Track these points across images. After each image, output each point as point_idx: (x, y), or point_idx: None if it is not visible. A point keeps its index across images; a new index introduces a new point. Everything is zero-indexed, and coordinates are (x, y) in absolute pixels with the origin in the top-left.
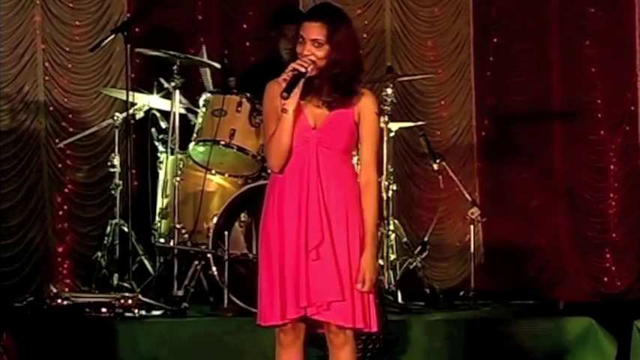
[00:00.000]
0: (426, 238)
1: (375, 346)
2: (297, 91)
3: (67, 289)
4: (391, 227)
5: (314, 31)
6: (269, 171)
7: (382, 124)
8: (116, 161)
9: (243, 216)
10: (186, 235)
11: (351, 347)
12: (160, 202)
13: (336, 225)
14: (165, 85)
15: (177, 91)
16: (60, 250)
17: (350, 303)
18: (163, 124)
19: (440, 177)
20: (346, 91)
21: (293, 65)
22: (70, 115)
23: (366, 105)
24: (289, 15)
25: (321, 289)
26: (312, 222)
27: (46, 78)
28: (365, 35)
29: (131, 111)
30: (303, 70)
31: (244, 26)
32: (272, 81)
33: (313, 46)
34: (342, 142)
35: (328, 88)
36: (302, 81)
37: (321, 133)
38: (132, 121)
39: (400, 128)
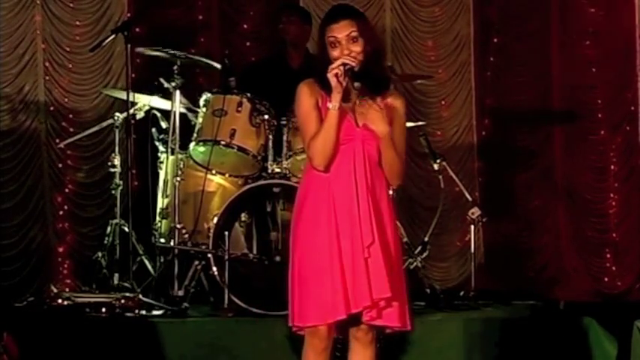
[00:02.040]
0: (426, 238)
1: (376, 345)
2: (343, 85)
3: (67, 289)
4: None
5: (346, 27)
6: (269, 171)
7: None
8: (116, 161)
9: (243, 216)
10: (186, 235)
11: (376, 347)
12: (161, 202)
13: (380, 224)
14: (166, 85)
15: (178, 91)
16: (60, 250)
17: (396, 303)
18: (164, 124)
19: (440, 177)
20: (382, 79)
21: (342, 60)
22: (71, 115)
23: (397, 105)
24: (289, 4)
25: (377, 288)
26: (365, 222)
27: (47, 78)
28: None
29: (131, 111)
30: (353, 63)
31: (244, 26)
32: (304, 81)
33: (350, 43)
34: None
35: (367, 78)
36: (350, 75)
37: (366, 130)
38: (132, 121)
39: None
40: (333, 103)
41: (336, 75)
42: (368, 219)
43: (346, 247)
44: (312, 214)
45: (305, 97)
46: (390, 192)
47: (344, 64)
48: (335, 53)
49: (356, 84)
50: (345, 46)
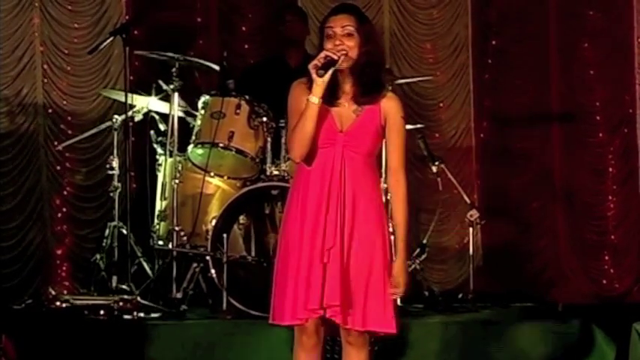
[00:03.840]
0: (425, 241)
1: (374, 348)
2: (325, 79)
3: (65, 292)
4: (390, 230)
5: (344, 20)
6: (267, 173)
7: None
8: (115, 164)
9: (241, 218)
10: (184, 238)
11: (368, 349)
12: (159, 205)
13: (357, 230)
14: (164, 87)
15: (176, 94)
16: (59, 252)
17: (369, 307)
18: (162, 127)
19: (439, 179)
20: (375, 84)
21: (325, 52)
22: (69, 118)
23: (392, 108)
24: (290, 5)
25: (331, 293)
26: (330, 225)
27: (45, 80)
28: None
29: (130, 113)
30: (335, 57)
31: (243, 28)
32: (297, 80)
33: (344, 37)
34: (368, 146)
35: (358, 80)
36: (332, 69)
37: (348, 137)
38: (131, 124)
39: None
40: (313, 96)
41: (316, 67)
42: (333, 223)
43: (307, 250)
44: (292, 215)
45: (295, 95)
46: (389, 195)
47: (325, 57)
48: (328, 45)
49: (320, 71)
50: (339, 39)
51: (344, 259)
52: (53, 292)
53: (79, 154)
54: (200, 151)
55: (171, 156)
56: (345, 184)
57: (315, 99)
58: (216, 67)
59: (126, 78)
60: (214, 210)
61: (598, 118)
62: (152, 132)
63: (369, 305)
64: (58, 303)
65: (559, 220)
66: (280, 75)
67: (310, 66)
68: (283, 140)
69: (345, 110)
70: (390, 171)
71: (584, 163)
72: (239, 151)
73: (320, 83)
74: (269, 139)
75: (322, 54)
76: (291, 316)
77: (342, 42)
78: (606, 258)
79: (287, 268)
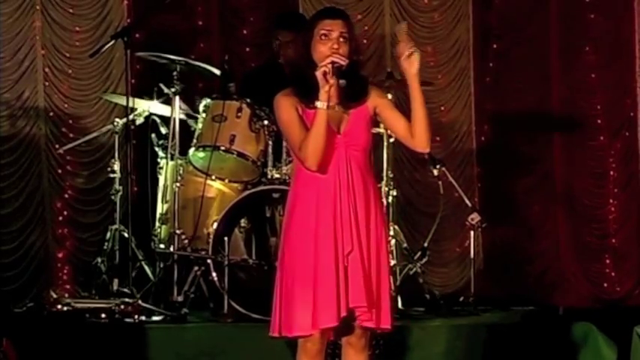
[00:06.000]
0: (426, 244)
1: (375, 351)
2: (332, 83)
3: (66, 295)
4: (391, 233)
5: (341, 26)
6: (268, 177)
7: (382, 130)
8: (116, 167)
9: (243, 222)
10: (186, 241)
11: (369, 353)
12: (160, 208)
13: (365, 229)
14: (166, 90)
15: (178, 97)
16: (60, 255)
17: (382, 306)
18: (163, 130)
19: (440, 183)
20: (361, 89)
21: (331, 58)
22: (70, 121)
23: (377, 95)
24: (286, 20)
25: (356, 296)
26: (345, 230)
27: (46, 84)
28: (365, 41)
29: (131, 117)
30: (343, 63)
31: (244, 32)
32: (281, 93)
33: (340, 42)
34: (366, 140)
35: (350, 85)
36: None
37: (347, 137)
38: (132, 127)
39: None
40: (322, 102)
41: (324, 73)
42: (348, 227)
43: (328, 255)
44: (299, 222)
45: (285, 108)
46: (390, 198)
47: (332, 63)
48: (324, 48)
49: (341, 81)
50: (336, 43)
51: (364, 258)
52: (54, 296)
53: (80, 157)
54: (201, 154)
55: (172, 159)
56: (354, 184)
57: (323, 104)
58: (217, 71)
59: (127, 81)
60: (215, 213)
61: (599, 121)
62: (153, 135)
63: (382, 303)
64: (59, 306)
65: (560, 224)
66: (280, 80)
67: (318, 73)
68: (284, 144)
69: (337, 112)
70: (407, 129)
71: (585, 167)
72: (240, 155)
73: (328, 89)
74: (270, 142)
75: (328, 60)
76: (307, 326)
77: (339, 47)
78: (607, 261)
79: (294, 277)
